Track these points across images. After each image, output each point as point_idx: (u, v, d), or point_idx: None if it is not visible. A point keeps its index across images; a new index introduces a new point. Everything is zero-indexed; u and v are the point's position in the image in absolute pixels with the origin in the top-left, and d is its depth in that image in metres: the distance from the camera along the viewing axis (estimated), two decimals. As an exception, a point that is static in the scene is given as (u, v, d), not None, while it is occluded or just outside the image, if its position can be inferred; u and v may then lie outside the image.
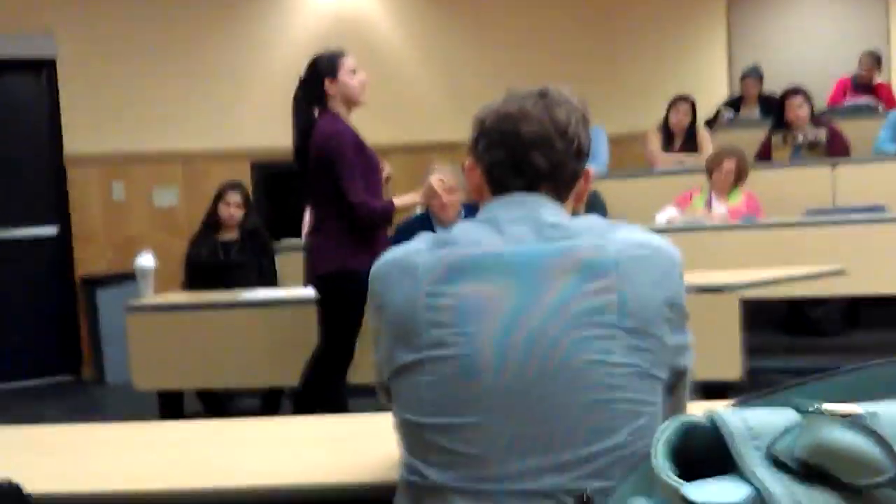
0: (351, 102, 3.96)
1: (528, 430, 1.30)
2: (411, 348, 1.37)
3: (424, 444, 1.36)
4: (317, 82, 3.91)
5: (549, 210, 1.42)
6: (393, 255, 1.47)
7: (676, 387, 1.43)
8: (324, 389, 4.04)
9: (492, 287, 1.35)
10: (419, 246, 1.44)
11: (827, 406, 0.83)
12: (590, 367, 1.30)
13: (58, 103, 6.50)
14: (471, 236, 1.40)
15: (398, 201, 4.02)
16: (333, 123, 3.87)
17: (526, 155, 1.44)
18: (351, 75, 3.94)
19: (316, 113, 3.95)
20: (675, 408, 1.41)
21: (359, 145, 3.89)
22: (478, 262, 1.37)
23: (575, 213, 1.52)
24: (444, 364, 1.34)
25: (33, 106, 6.53)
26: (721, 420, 0.86)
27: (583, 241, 1.36)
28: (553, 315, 1.32)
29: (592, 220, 1.42)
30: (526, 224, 1.39)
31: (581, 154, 1.49)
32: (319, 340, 4.08)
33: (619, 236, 1.38)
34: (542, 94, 1.48)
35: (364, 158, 3.89)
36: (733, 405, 0.93)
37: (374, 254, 3.71)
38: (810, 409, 0.83)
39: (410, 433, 1.39)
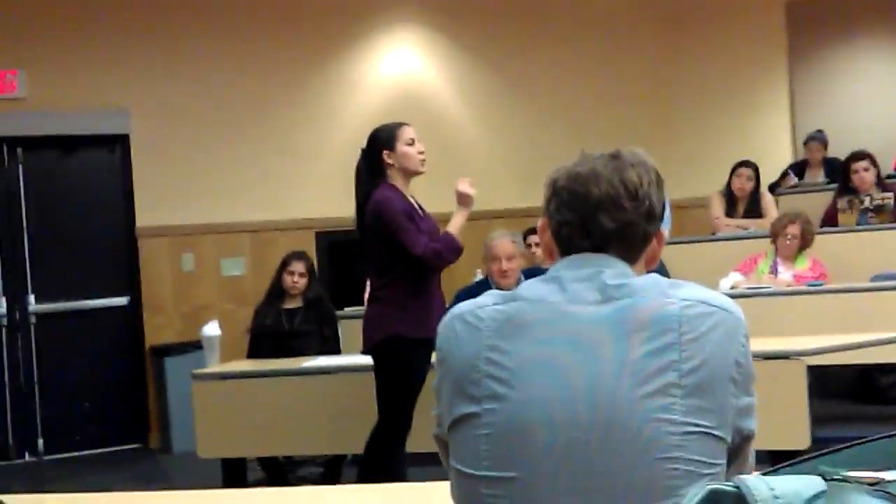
0: (409, 173, 4.02)
1: (585, 487, 1.29)
2: (470, 400, 1.38)
3: (479, 498, 1.36)
4: (376, 154, 3.99)
5: (613, 270, 1.41)
6: (459, 308, 1.49)
7: (740, 450, 1.41)
8: (383, 458, 4.03)
9: (553, 344, 1.36)
10: (485, 300, 1.46)
11: (853, 473, 0.82)
12: (649, 427, 1.29)
13: (130, 177, 6.72)
14: (535, 293, 1.42)
15: (451, 228, 3.98)
16: (384, 192, 3.93)
17: (594, 216, 1.43)
18: (409, 146, 4.00)
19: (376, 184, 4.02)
20: (738, 472, 1.38)
21: (409, 211, 3.93)
22: (540, 318, 1.38)
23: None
24: (501, 417, 1.35)
25: (107, 180, 6.76)
26: (747, 487, 0.86)
27: (646, 297, 1.36)
28: (614, 373, 1.31)
29: (655, 278, 1.41)
30: (590, 282, 1.39)
31: (652, 216, 1.47)
32: (378, 410, 4.10)
33: (683, 293, 1.38)
34: (615, 156, 1.48)
35: (417, 222, 3.93)
36: (762, 473, 0.92)
37: (429, 320, 3.77)
38: (836, 476, 0.83)
39: (465, 486, 1.40)
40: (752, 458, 1.46)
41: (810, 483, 0.86)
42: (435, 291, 4.03)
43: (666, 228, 6.97)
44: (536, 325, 1.37)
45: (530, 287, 1.44)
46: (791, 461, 0.93)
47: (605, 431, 1.30)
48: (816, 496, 0.84)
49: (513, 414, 1.34)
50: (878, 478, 0.83)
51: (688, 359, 1.32)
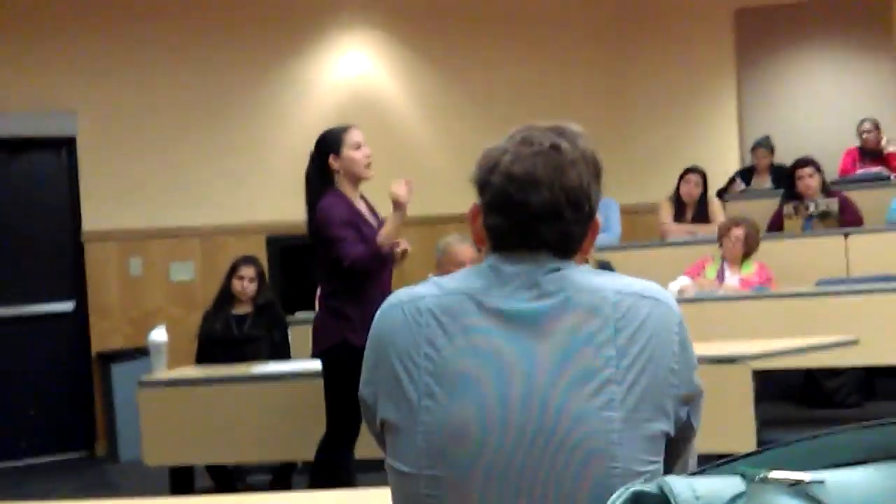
0: (355, 178, 3.99)
1: (520, 489, 1.29)
2: (406, 398, 1.36)
3: (419, 498, 1.34)
4: (323, 159, 3.96)
5: (549, 266, 1.38)
6: (398, 297, 1.47)
7: (682, 446, 1.40)
8: (332, 465, 4.02)
9: (489, 340, 1.34)
10: (424, 290, 1.43)
11: (774, 474, 0.83)
12: (586, 425, 1.28)
13: (77, 180, 6.63)
14: (473, 285, 1.39)
15: (381, 234, 3.87)
16: (328, 199, 3.90)
17: (533, 226, 1.38)
18: (355, 150, 3.96)
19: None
20: (681, 471, 1.38)
21: (351, 219, 3.91)
22: (476, 313, 1.35)
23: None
24: (437, 417, 1.33)
25: (53, 183, 6.66)
26: (669, 488, 0.87)
27: (579, 292, 1.35)
28: (549, 371, 1.31)
29: (588, 271, 1.40)
30: (526, 277, 1.36)
31: (591, 216, 1.43)
32: (326, 416, 4.08)
33: (616, 285, 1.37)
34: (555, 147, 1.39)
35: (361, 228, 3.91)
36: (688, 474, 0.93)
37: None
38: (757, 477, 0.84)
39: (404, 487, 1.37)
40: (693, 459, 1.45)
41: (731, 484, 0.86)
42: (381, 298, 3.97)
43: (614, 234, 7.02)
44: (473, 320, 1.35)
45: (468, 278, 1.41)
46: (715, 463, 0.94)
47: (539, 432, 1.29)
48: (737, 497, 0.85)
49: (448, 414, 1.32)
50: (798, 479, 0.83)
51: (624, 352, 1.31)
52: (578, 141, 1.43)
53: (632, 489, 0.92)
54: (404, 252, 4.00)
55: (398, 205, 3.90)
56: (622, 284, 1.38)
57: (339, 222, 3.86)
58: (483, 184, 1.44)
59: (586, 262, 1.50)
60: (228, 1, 7.11)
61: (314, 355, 4.06)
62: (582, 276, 1.38)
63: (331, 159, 3.94)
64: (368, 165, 4.00)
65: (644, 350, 1.33)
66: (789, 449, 0.91)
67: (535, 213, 1.37)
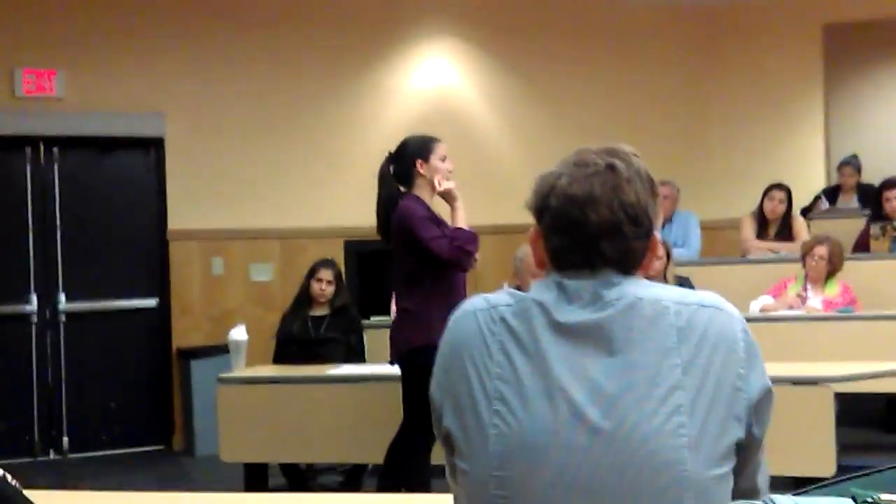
0: (436, 189, 4.03)
1: (588, 492, 1.29)
2: (478, 412, 1.37)
3: (483, 498, 1.36)
4: (408, 161, 4.01)
5: (613, 283, 1.39)
6: (472, 304, 1.48)
7: (751, 454, 1.38)
8: (407, 468, 4.04)
9: (559, 349, 1.35)
10: (499, 299, 1.45)
11: (884, 496, 0.82)
12: (656, 436, 1.28)
13: (164, 180, 6.78)
14: (542, 296, 1.40)
15: (458, 222, 3.96)
16: (410, 202, 3.96)
17: (595, 245, 1.40)
18: (442, 161, 4.03)
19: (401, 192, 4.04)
20: (752, 481, 1.36)
21: (434, 217, 3.95)
22: (544, 326, 1.37)
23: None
24: (508, 421, 1.34)
25: (141, 182, 6.82)
26: (776, 507, 0.86)
27: (642, 305, 1.35)
28: (617, 379, 1.31)
29: (649, 285, 1.41)
30: (590, 294, 1.38)
31: (650, 231, 1.44)
32: (403, 419, 4.10)
33: (676, 296, 1.38)
34: (611, 168, 1.42)
35: (442, 227, 3.95)
36: (794, 494, 0.92)
37: None
38: (868, 499, 0.82)
39: (472, 487, 1.39)
40: (764, 475, 1.42)
41: (841, 504, 0.85)
42: (458, 302, 3.99)
43: (694, 249, 6.94)
44: (543, 331, 1.37)
45: (538, 291, 1.43)
46: (821, 483, 0.93)
47: (609, 439, 1.29)
48: (846, 518, 0.84)
49: (518, 420, 1.34)
50: (909, 502, 0.82)
51: (689, 359, 1.32)
52: (632, 160, 1.45)
53: (737, 505, 0.92)
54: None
55: (450, 197, 4.01)
56: (681, 295, 1.40)
57: (426, 221, 3.90)
58: (541, 208, 1.46)
59: (664, 274, 1.51)
60: (313, 9, 7.21)
61: (393, 360, 4.08)
62: (642, 288, 1.39)
63: (417, 164, 3.99)
64: (449, 179, 4.04)
65: (710, 357, 1.33)
66: (894, 473, 0.89)
67: (596, 231, 1.39)
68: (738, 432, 1.33)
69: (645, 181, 1.43)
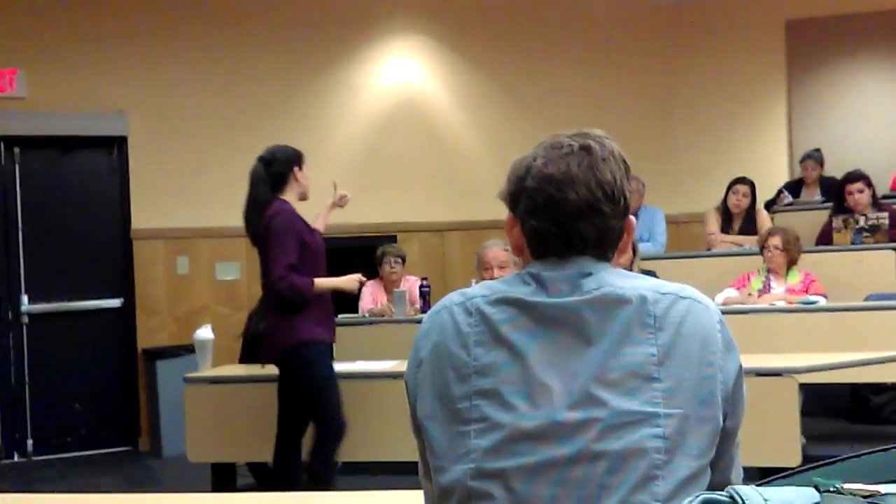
0: (302, 195, 4.27)
1: (568, 480, 1.29)
2: (458, 416, 1.36)
3: (459, 491, 1.34)
4: (285, 167, 4.22)
5: (591, 270, 1.39)
6: (450, 298, 1.47)
7: (724, 448, 1.38)
8: (326, 462, 4.15)
9: (535, 339, 1.35)
10: (473, 292, 1.44)
11: (847, 486, 0.82)
12: (631, 421, 1.29)
13: (127, 179, 6.72)
14: (519, 292, 1.40)
15: (322, 281, 4.17)
16: (285, 206, 4.15)
17: (573, 224, 1.39)
18: (309, 171, 4.29)
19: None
20: (725, 476, 1.37)
21: (301, 232, 4.12)
22: (520, 320, 1.37)
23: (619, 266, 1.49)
24: (486, 413, 1.34)
25: (104, 181, 6.75)
26: (740, 497, 0.86)
27: (623, 292, 1.35)
28: (594, 368, 1.31)
29: (626, 275, 1.41)
30: (569, 284, 1.38)
31: (626, 211, 1.45)
32: (278, 416, 4.22)
33: (654, 284, 1.39)
34: (585, 149, 1.42)
35: (308, 242, 4.12)
36: (757, 484, 0.92)
37: (330, 324, 4.16)
38: (830, 488, 0.83)
39: (442, 480, 1.37)
40: (738, 468, 1.43)
41: (804, 494, 0.86)
42: (329, 300, 4.28)
43: (659, 243, 6.97)
44: (519, 321, 1.37)
45: (514, 283, 1.42)
46: (784, 473, 0.93)
47: (585, 427, 1.29)
48: (810, 507, 0.84)
49: (496, 411, 1.33)
50: (873, 490, 0.82)
51: (666, 349, 1.32)
52: (605, 141, 1.45)
53: (702, 497, 0.92)
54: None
55: (342, 206, 4.52)
56: (658, 285, 1.40)
57: (292, 243, 4.07)
58: (517, 191, 1.45)
59: (630, 268, 1.51)
60: (277, 6, 7.17)
61: (272, 359, 4.16)
62: (619, 278, 1.39)
63: (294, 170, 4.22)
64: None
65: (687, 347, 1.34)
66: (860, 461, 0.90)
67: (574, 210, 1.39)
68: (714, 424, 1.33)
69: (619, 161, 1.44)
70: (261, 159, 4.27)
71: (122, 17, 6.72)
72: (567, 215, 1.39)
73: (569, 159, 1.41)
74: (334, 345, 4.48)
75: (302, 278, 4.06)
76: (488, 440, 1.33)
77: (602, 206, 1.39)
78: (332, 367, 4.21)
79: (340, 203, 4.62)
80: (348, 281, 4.31)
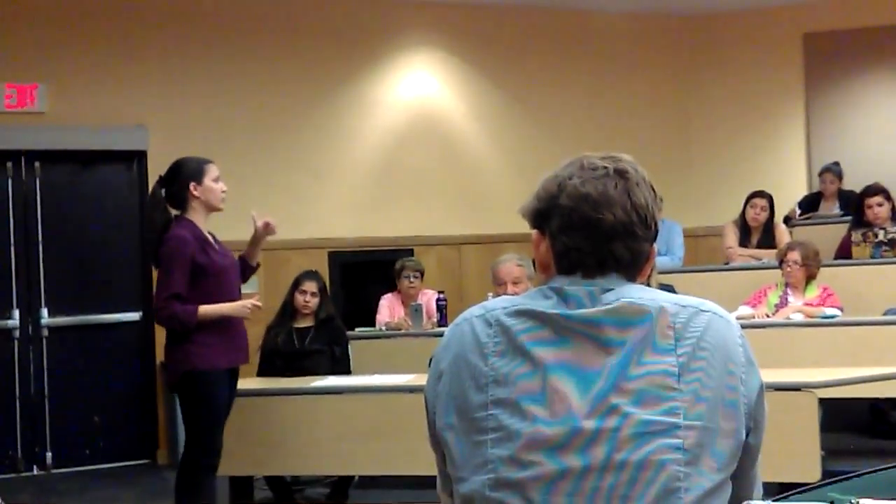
0: (211, 208, 4.09)
1: (584, 491, 1.29)
2: (475, 426, 1.37)
3: (478, 501, 1.35)
4: (181, 184, 4.04)
5: (616, 288, 1.40)
6: (471, 311, 1.48)
7: (745, 467, 1.38)
8: (200, 481, 4.07)
9: (555, 351, 1.35)
10: (494, 304, 1.45)
11: (863, 500, 0.82)
12: (651, 434, 1.29)
13: (147, 193, 6.73)
14: (539, 302, 1.41)
15: (208, 308, 3.96)
16: (182, 231, 3.97)
17: (608, 245, 1.40)
18: (214, 183, 4.09)
19: (173, 215, 4.07)
20: (748, 486, 1.37)
21: (197, 253, 3.95)
22: (541, 335, 1.37)
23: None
24: (504, 424, 1.34)
25: (123, 195, 6.79)
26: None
27: (642, 304, 1.36)
28: (613, 380, 1.32)
29: (645, 290, 1.41)
30: (591, 300, 1.38)
31: (655, 237, 1.47)
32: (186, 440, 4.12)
33: (674, 298, 1.39)
34: (620, 173, 1.43)
35: (203, 265, 3.96)
36: (773, 500, 0.92)
37: (230, 350, 3.98)
38: (846, 503, 0.83)
39: (462, 490, 1.38)
40: (758, 484, 1.44)
41: (820, 510, 0.86)
42: (230, 324, 4.07)
43: (677, 257, 6.96)
44: (539, 333, 1.37)
45: (535, 297, 1.42)
46: (801, 488, 0.93)
47: (604, 439, 1.30)
48: (825, 523, 0.84)
49: (515, 422, 1.34)
50: (887, 506, 0.82)
51: (686, 362, 1.33)
52: (637, 167, 1.47)
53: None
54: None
55: (238, 310, 4.06)
56: (678, 298, 1.41)
57: (185, 262, 3.91)
58: (548, 208, 1.45)
59: (647, 283, 1.51)
60: (296, 21, 7.22)
61: (169, 387, 4.10)
62: (640, 291, 1.40)
63: (191, 186, 4.03)
64: (223, 200, 4.13)
65: (708, 361, 1.34)
66: (876, 477, 0.90)
67: (610, 230, 1.40)
68: (735, 438, 1.34)
69: (649, 187, 1.46)
70: (158, 180, 4.12)
71: (141, 33, 6.77)
72: (602, 235, 1.40)
73: (605, 181, 1.42)
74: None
75: (184, 307, 3.91)
76: (506, 449, 1.33)
77: (636, 229, 1.41)
78: (224, 396, 4.06)
79: (267, 231, 4.34)
80: (237, 307, 4.04)
